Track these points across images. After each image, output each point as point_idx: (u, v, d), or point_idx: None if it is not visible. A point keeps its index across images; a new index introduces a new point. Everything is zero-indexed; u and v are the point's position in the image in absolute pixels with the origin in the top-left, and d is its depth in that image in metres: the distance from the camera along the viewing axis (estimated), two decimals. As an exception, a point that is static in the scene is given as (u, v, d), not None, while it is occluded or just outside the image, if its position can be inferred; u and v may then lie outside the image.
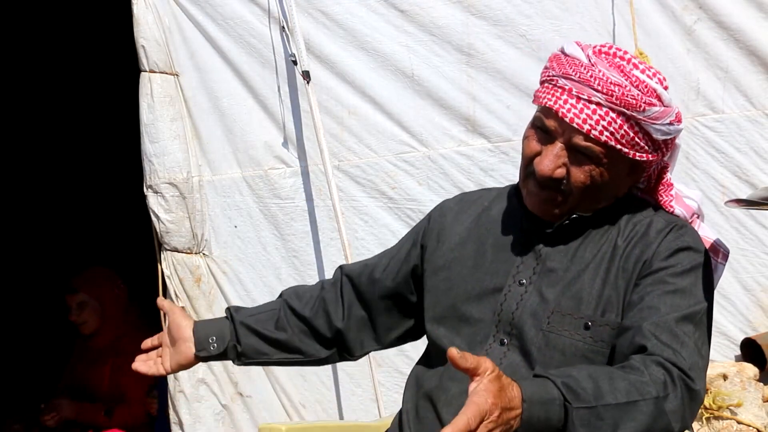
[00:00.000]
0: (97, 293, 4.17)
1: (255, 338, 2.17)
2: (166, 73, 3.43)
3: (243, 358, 2.18)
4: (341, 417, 3.49)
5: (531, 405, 1.58)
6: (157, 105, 3.40)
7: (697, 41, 3.63)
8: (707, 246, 1.95)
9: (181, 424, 3.44)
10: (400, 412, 2.03)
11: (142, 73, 3.43)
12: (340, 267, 2.26)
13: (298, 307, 2.19)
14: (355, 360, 2.26)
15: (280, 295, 2.26)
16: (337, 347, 2.20)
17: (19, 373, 5.63)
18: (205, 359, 2.19)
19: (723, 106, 3.66)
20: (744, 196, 3.32)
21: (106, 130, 5.94)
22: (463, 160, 3.53)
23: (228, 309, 2.22)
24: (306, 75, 3.35)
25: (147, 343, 2.23)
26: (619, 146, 1.86)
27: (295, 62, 3.37)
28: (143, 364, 2.22)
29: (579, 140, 1.86)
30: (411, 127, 3.52)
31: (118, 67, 4.57)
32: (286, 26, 3.41)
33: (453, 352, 1.53)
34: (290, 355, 2.20)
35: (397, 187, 3.52)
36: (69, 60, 5.96)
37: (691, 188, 2.06)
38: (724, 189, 3.65)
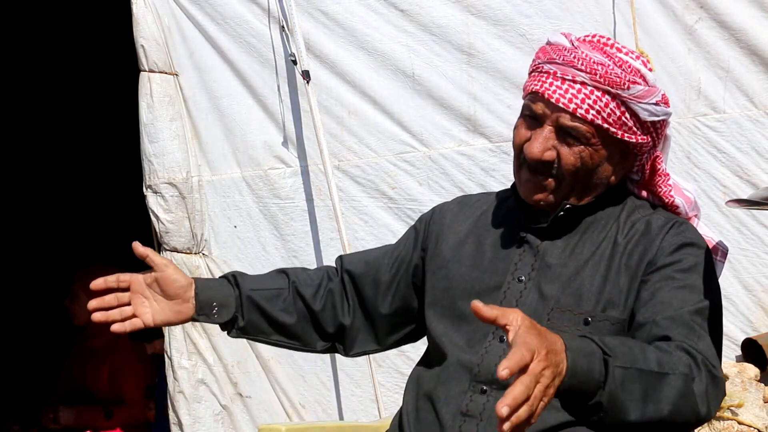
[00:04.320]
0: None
1: (258, 315, 2.09)
2: (166, 73, 3.43)
3: (241, 332, 2.11)
4: (341, 417, 3.49)
5: (574, 355, 1.56)
6: (157, 105, 3.40)
7: (698, 41, 3.63)
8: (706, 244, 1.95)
9: (180, 425, 3.43)
10: (400, 413, 2.02)
11: (142, 72, 3.42)
12: (341, 259, 2.20)
13: (307, 295, 2.13)
14: (347, 356, 2.21)
15: (285, 274, 2.16)
16: (337, 341, 2.17)
17: (18, 373, 5.63)
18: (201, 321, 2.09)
19: (724, 105, 3.65)
20: (745, 196, 3.32)
21: (106, 130, 5.93)
22: (464, 160, 3.52)
23: (233, 276, 2.11)
24: (306, 75, 3.34)
25: (99, 282, 2.02)
26: (606, 125, 1.87)
27: (294, 62, 3.36)
28: (117, 325, 2.01)
29: (566, 120, 1.87)
30: (411, 127, 3.51)
31: (118, 66, 4.56)
32: (285, 26, 3.41)
33: (476, 303, 1.49)
34: (289, 340, 2.15)
35: (397, 187, 3.51)
36: (69, 60, 5.95)
37: (688, 183, 2.06)
38: (726, 189, 3.65)
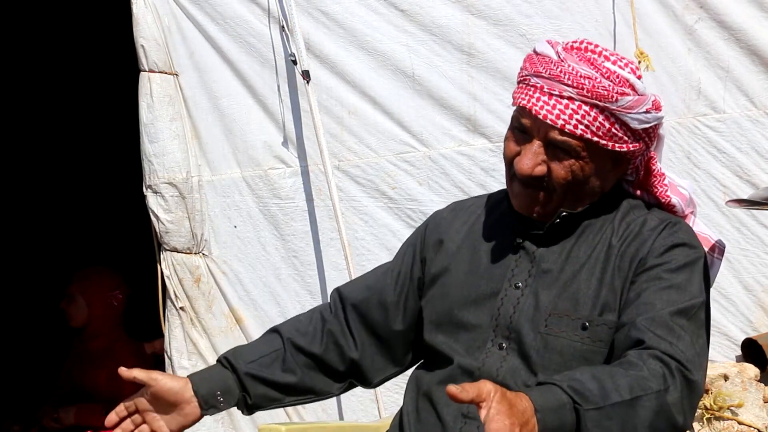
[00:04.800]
0: (87, 292, 4.17)
1: (263, 387, 2.05)
2: (166, 73, 3.43)
3: (254, 408, 2.07)
4: (341, 417, 3.49)
5: (544, 414, 1.58)
6: (157, 105, 3.40)
7: (698, 41, 3.63)
8: (702, 241, 1.94)
9: (180, 425, 3.43)
10: (401, 413, 2.02)
11: (142, 72, 3.42)
12: (338, 292, 2.16)
13: (305, 344, 2.08)
14: (371, 388, 2.17)
15: (277, 332, 2.12)
16: (352, 378, 2.13)
17: (18, 373, 5.63)
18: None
19: (724, 105, 3.65)
20: (745, 196, 3.33)
21: (106, 130, 5.93)
22: (464, 160, 3.52)
23: (225, 358, 2.06)
24: (306, 75, 3.34)
25: (113, 418, 1.99)
26: (596, 138, 1.86)
27: (294, 62, 3.36)
28: None
29: (555, 135, 1.86)
30: (411, 127, 3.51)
31: (118, 66, 4.56)
32: (285, 26, 3.41)
33: (451, 389, 1.51)
34: (303, 396, 2.11)
35: (398, 187, 3.51)
36: (69, 60, 5.95)
37: (684, 179, 2.06)
38: (726, 189, 3.65)
